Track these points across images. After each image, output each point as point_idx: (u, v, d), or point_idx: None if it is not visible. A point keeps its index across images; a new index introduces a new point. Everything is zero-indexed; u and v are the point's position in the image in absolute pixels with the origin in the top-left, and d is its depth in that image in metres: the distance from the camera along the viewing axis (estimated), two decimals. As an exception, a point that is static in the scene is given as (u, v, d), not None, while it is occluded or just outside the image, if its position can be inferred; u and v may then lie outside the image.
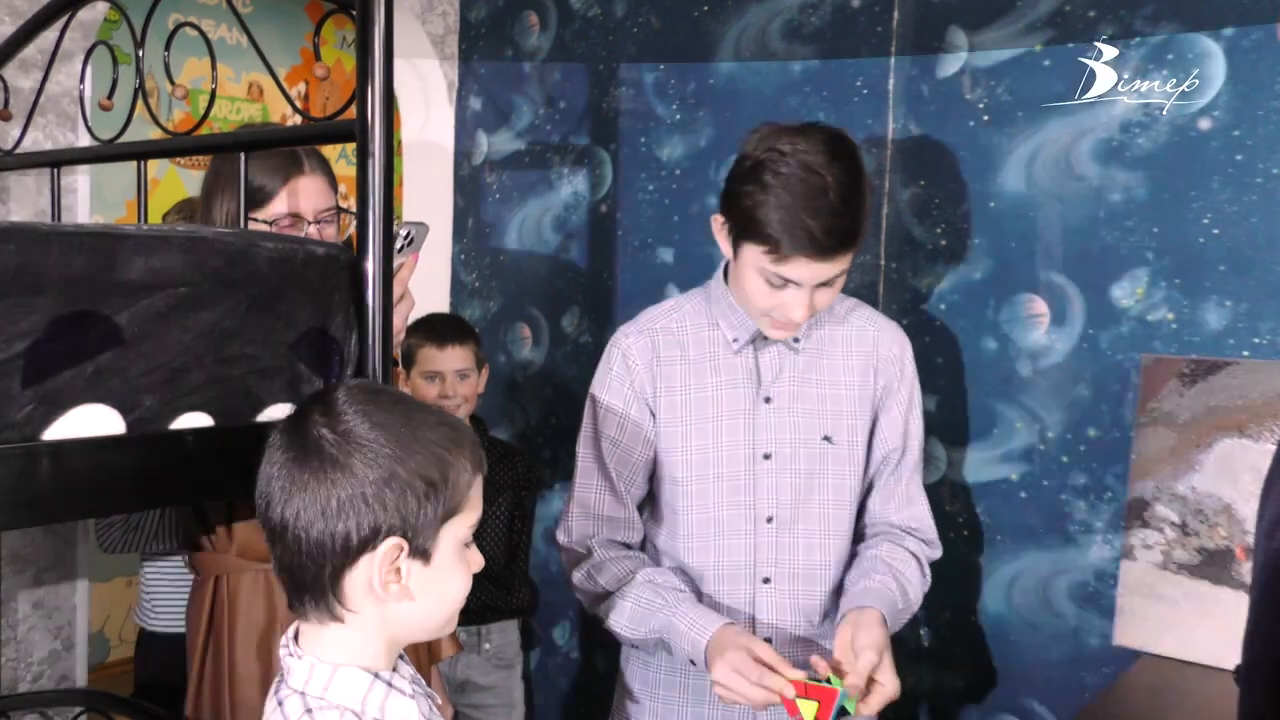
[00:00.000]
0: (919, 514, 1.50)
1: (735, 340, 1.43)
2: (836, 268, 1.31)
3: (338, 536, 0.86)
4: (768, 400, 1.43)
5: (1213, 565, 1.62)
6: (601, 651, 2.47)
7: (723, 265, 1.47)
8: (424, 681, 1.00)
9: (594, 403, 1.49)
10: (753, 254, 1.31)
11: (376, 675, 0.91)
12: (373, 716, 0.89)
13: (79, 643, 1.95)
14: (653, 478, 1.49)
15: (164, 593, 1.88)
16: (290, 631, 0.94)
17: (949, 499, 1.94)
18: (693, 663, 1.33)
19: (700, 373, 1.44)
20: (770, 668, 1.23)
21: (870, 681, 1.25)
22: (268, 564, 1.48)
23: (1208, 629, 1.61)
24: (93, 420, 0.89)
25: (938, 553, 1.52)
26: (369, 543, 0.87)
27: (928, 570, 1.48)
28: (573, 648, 2.54)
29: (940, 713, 1.98)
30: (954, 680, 1.97)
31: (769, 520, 1.43)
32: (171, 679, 1.74)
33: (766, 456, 1.42)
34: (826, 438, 1.44)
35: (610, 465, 1.46)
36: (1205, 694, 1.52)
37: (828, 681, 1.22)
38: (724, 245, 1.39)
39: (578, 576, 1.47)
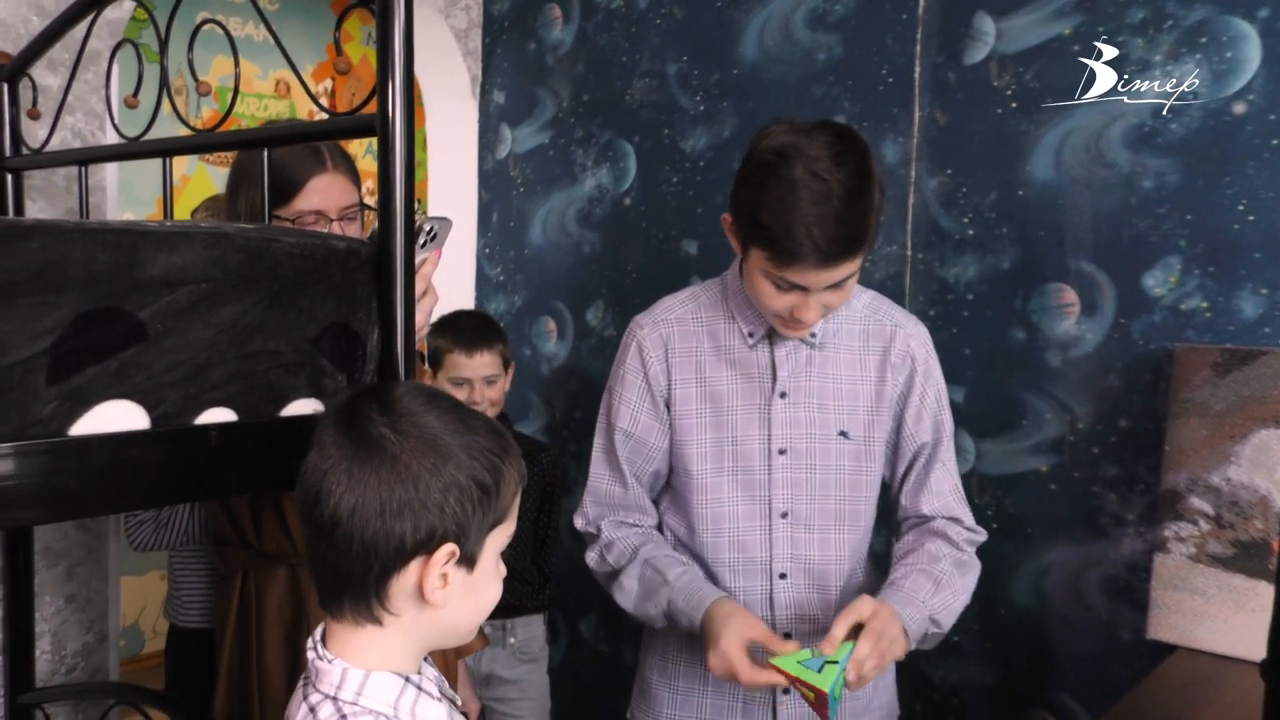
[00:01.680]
0: (950, 504, 1.47)
1: (751, 335, 1.43)
2: (844, 272, 1.28)
3: (393, 537, 0.85)
4: (783, 395, 1.42)
5: (1248, 558, 1.59)
6: (629, 644, 2.47)
7: (739, 259, 1.46)
8: (447, 683, 1.00)
9: (609, 394, 1.50)
10: (758, 257, 1.30)
11: (407, 679, 0.90)
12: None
13: (111, 636, 1.98)
14: (670, 470, 1.49)
15: (193, 588, 1.90)
16: (317, 633, 0.93)
17: (978, 491, 1.92)
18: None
19: (716, 366, 1.44)
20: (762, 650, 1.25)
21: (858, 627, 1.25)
22: (295, 560, 1.49)
23: (1243, 622, 1.59)
24: (117, 416, 0.89)
25: (979, 536, 1.48)
26: (423, 546, 0.86)
27: (968, 556, 1.45)
28: (600, 641, 2.55)
29: (971, 707, 1.97)
30: (984, 674, 1.95)
31: (784, 516, 1.42)
32: (202, 673, 1.75)
33: (781, 452, 1.42)
34: (843, 433, 1.43)
35: (622, 456, 1.47)
36: (1241, 688, 1.49)
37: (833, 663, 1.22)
38: (734, 244, 1.38)
39: (591, 557, 1.49)
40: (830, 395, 1.43)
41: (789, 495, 1.42)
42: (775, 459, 1.42)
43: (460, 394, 2.15)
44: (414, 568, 0.87)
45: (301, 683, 0.93)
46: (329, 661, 0.89)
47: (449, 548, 0.87)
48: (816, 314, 1.32)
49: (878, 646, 1.23)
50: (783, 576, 1.43)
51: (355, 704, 0.87)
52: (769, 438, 1.42)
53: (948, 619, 1.38)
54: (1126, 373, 1.76)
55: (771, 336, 1.42)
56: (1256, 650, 1.54)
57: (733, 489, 1.43)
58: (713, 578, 1.45)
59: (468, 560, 0.89)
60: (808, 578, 1.43)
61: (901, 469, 1.49)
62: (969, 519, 1.48)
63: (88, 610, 1.93)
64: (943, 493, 1.47)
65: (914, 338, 1.47)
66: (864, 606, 1.26)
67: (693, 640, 1.42)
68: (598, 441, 1.50)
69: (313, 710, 0.88)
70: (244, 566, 1.50)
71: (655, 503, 1.52)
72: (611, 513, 1.49)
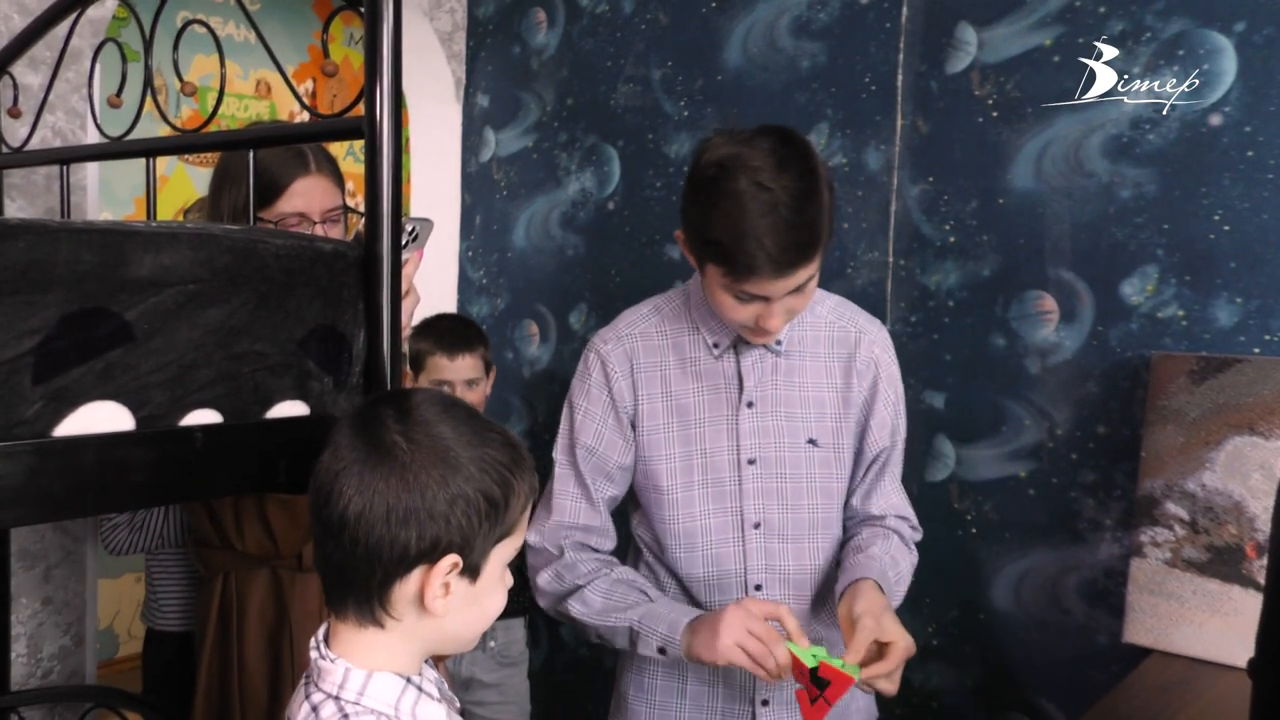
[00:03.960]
0: (897, 504, 1.49)
1: (716, 345, 1.41)
2: (801, 277, 1.26)
3: (397, 544, 0.85)
4: (750, 405, 1.41)
5: (1222, 563, 1.61)
6: (609, 651, 2.47)
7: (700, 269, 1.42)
8: (446, 684, 1.00)
9: (570, 409, 1.46)
10: (714, 273, 1.27)
11: (408, 680, 0.91)
12: None
13: (89, 639, 1.96)
14: (637, 487, 1.47)
15: (171, 592, 1.89)
16: (320, 632, 0.93)
17: (957, 496, 1.94)
18: (662, 651, 1.32)
19: (681, 378, 1.42)
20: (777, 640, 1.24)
21: (880, 645, 1.24)
22: (276, 561, 1.49)
23: (1217, 626, 1.61)
24: (103, 417, 0.89)
25: (919, 534, 1.52)
26: (427, 555, 0.86)
27: (912, 545, 1.49)
28: (580, 645, 2.54)
29: (949, 711, 1.98)
30: (962, 678, 1.96)
31: (756, 526, 1.41)
32: (180, 677, 1.74)
33: (751, 462, 1.40)
34: (811, 441, 1.42)
35: (585, 473, 1.44)
36: (1215, 691, 1.51)
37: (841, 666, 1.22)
38: (690, 259, 1.35)
39: (545, 577, 1.45)
40: (798, 404, 1.42)
41: (760, 505, 1.41)
42: (745, 469, 1.40)
43: None
44: (416, 576, 0.87)
45: (303, 681, 0.93)
46: (331, 661, 0.89)
47: (452, 559, 0.87)
48: (781, 320, 1.29)
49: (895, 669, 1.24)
50: (758, 588, 1.41)
51: (357, 704, 0.88)
52: (738, 448, 1.40)
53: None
54: (1104, 380, 1.78)
55: (737, 346, 1.41)
56: (1230, 654, 1.57)
57: (704, 502, 1.41)
58: (687, 593, 1.44)
59: (471, 571, 0.89)
60: (784, 588, 1.42)
61: (859, 474, 1.48)
62: (913, 516, 1.51)
63: (65, 613, 1.92)
64: (889, 494, 1.48)
65: (877, 343, 1.46)
66: (878, 628, 1.24)
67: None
68: (560, 459, 1.47)
69: (315, 709, 0.88)
70: (225, 568, 1.49)
71: (627, 517, 1.51)
72: (573, 534, 1.45)
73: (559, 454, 1.47)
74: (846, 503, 1.49)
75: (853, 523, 1.49)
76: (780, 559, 1.42)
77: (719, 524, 1.41)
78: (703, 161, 1.27)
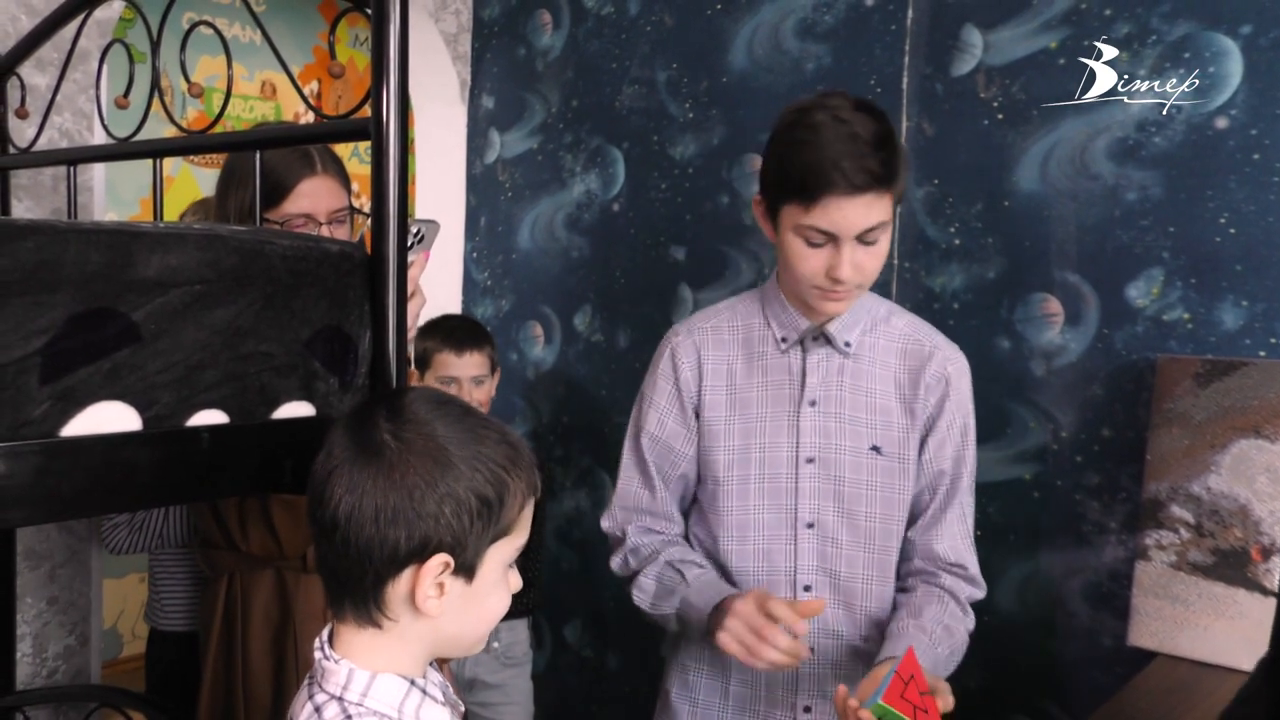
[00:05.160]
0: (960, 549, 1.42)
1: (784, 340, 1.42)
2: (871, 213, 1.26)
3: (386, 544, 0.84)
4: (813, 404, 1.40)
5: (1228, 566, 1.61)
6: (613, 651, 2.47)
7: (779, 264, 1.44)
8: (451, 688, 1.00)
9: (640, 399, 1.51)
10: (788, 214, 1.30)
11: (412, 682, 0.90)
12: None
13: (94, 638, 1.96)
14: (698, 478, 1.48)
15: (173, 592, 1.89)
16: (325, 633, 0.93)
17: (962, 499, 1.93)
18: (709, 635, 1.32)
19: (747, 372, 1.43)
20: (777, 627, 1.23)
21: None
22: (281, 563, 1.49)
23: (1222, 629, 1.60)
24: (109, 417, 0.89)
25: (981, 592, 1.45)
26: (416, 554, 0.85)
27: (968, 608, 1.43)
28: (584, 646, 2.54)
29: (954, 713, 1.98)
30: (967, 681, 1.96)
31: (810, 526, 1.40)
32: (183, 677, 1.74)
33: (809, 460, 1.39)
34: (875, 448, 1.39)
35: (650, 460, 1.47)
36: (1221, 695, 1.51)
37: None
38: (766, 228, 1.38)
39: (616, 562, 1.50)
40: (862, 408, 1.40)
41: (815, 506, 1.39)
42: (803, 467, 1.40)
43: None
44: (408, 575, 0.86)
45: (306, 682, 0.93)
46: (335, 662, 0.89)
47: (442, 558, 0.86)
48: (850, 270, 1.29)
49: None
50: (807, 589, 1.40)
51: (360, 705, 0.87)
52: (797, 445, 1.40)
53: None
54: (1109, 382, 1.78)
55: (805, 343, 1.41)
56: (1236, 658, 1.56)
57: (759, 497, 1.41)
58: (736, 587, 1.41)
59: (465, 571, 0.88)
60: (834, 592, 1.40)
61: (916, 495, 1.43)
62: (974, 568, 1.44)
63: (70, 613, 1.92)
64: (955, 535, 1.42)
65: (952, 361, 1.43)
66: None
67: (713, 653, 1.40)
68: (627, 445, 1.51)
69: (318, 710, 0.88)
70: (230, 569, 1.50)
71: (685, 514, 1.52)
72: (637, 518, 1.49)
73: (627, 441, 1.51)
74: (905, 533, 1.44)
75: (909, 566, 1.44)
76: (833, 563, 1.40)
77: (772, 520, 1.41)
78: (783, 114, 1.33)
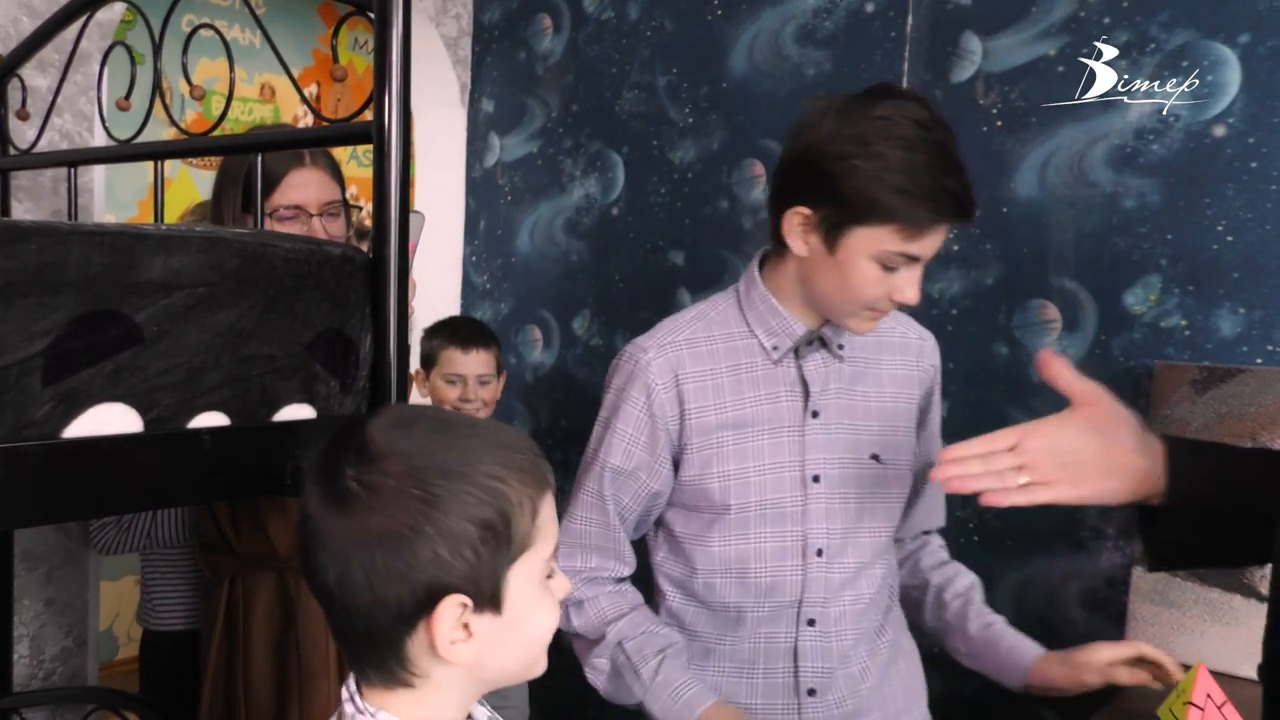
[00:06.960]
0: (939, 511, 1.49)
1: (775, 349, 1.26)
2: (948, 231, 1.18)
3: (387, 606, 0.74)
4: (815, 415, 1.26)
5: (1223, 572, 1.61)
6: (609, 654, 2.47)
7: (756, 265, 1.31)
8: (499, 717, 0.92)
9: (601, 426, 1.32)
10: (872, 237, 1.14)
11: None
12: None
13: (90, 640, 1.96)
14: (677, 514, 1.33)
15: (165, 592, 1.88)
16: (353, 682, 0.81)
17: (960, 504, 1.94)
18: None
19: (735, 387, 1.26)
20: None
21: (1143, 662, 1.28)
22: (281, 565, 1.49)
23: (1218, 635, 1.61)
24: (111, 419, 0.89)
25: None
26: (425, 606, 0.74)
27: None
28: (581, 650, 2.54)
29: (953, 719, 1.98)
30: (965, 686, 1.96)
31: (819, 553, 1.26)
32: (177, 677, 1.74)
33: (816, 479, 1.26)
34: (875, 456, 1.29)
35: (608, 495, 1.30)
36: (1217, 702, 1.51)
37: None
38: (801, 242, 1.19)
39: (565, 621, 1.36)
40: (860, 414, 1.29)
41: (825, 529, 1.26)
42: (810, 487, 1.25)
43: (454, 392, 2.15)
44: (423, 629, 0.75)
45: None
46: (372, 715, 0.78)
47: (455, 600, 0.74)
48: (918, 290, 1.18)
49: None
50: (811, 624, 1.27)
51: None
52: (802, 463, 1.25)
53: None
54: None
55: (799, 350, 1.27)
56: (1232, 663, 1.57)
57: (760, 524, 1.26)
58: (731, 624, 1.30)
59: (490, 604, 0.76)
60: (839, 622, 1.28)
61: (918, 491, 1.40)
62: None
63: (67, 614, 1.92)
64: (937, 505, 1.46)
65: (934, 350, 1.39)
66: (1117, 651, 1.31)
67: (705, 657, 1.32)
68: (583, 476, 1.32)
69: None
70: (231, 572, 1.50)
71: (651, 550, 1.38)
72: (584, 557, 1.32)
73: (582, 474, 1.33)
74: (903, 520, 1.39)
75: (913, 542, 1.47)
76: (840, 589, 1.27)
77: (775, 549, 1.26)
78: (833, 123, 1.16)
